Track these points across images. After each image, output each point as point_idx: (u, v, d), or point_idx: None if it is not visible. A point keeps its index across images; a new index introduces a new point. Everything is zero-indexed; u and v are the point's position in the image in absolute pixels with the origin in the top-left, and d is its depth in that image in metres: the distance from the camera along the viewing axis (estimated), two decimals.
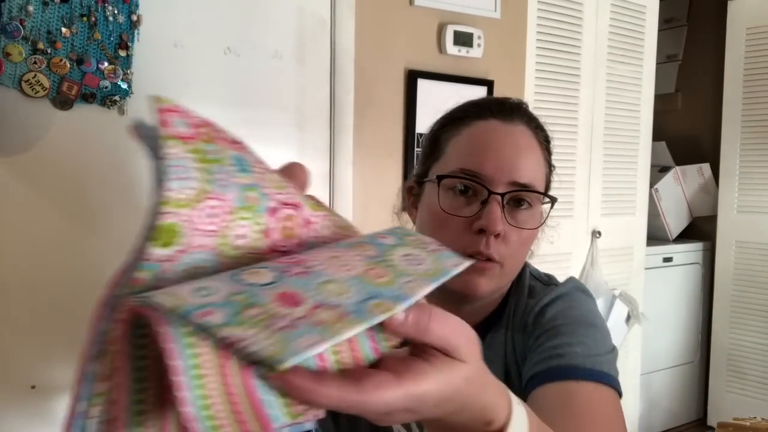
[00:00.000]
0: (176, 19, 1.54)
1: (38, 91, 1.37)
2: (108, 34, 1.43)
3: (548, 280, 0.86)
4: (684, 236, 3.31)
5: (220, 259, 0.37)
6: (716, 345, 3.18)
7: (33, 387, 1.42)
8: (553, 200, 0.79)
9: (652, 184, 2.93)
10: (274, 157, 1.72)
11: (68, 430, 0.35)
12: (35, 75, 1.36)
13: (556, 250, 2.42)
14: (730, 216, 3.11)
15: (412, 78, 1.92)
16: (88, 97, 1.42)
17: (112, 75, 1.44)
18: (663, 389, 3.14)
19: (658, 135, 2.90)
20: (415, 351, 0.38)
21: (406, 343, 0.39)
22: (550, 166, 0.82)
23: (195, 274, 0.36)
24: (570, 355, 0.70)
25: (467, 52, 2.02)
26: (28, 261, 1.40)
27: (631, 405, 2.81)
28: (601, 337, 0.75)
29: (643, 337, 2.82)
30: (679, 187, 3.21)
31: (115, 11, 1.43)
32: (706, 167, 3.27)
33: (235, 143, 0.41)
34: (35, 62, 1.35)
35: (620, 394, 0.70)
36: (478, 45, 2.04)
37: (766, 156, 2.98)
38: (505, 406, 0.44)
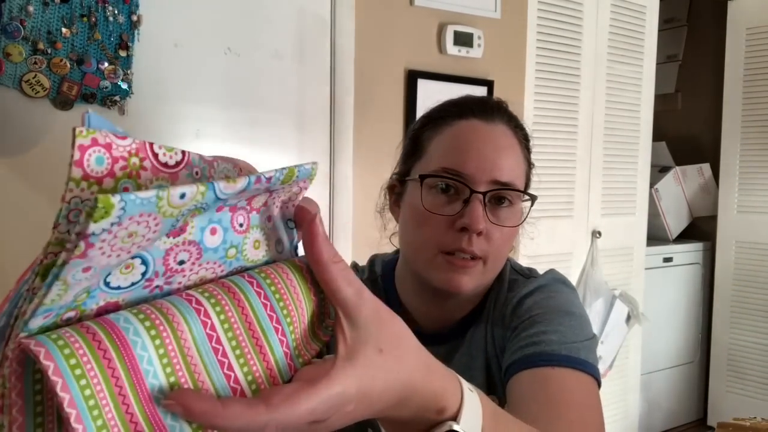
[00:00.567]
0: (176, 19, 1.54)
1: (38, 92, 1.37)
2: (108, 34, 1.43)
3: (529, 273, 0.87)
4: (684, 236, 3.31)
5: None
6: (716, 345, 3.18)
7: None
8: (533, 198, 0.79)
9: (652, 184, 2.92)
10: (275, 157, 1.71)
11: None
12: (35, 75, 1.36)
13: (556, 250, 2.42)
14: (730, 216, 3.11)
15: (412, 78, 1.92)
16: (88, 98, 1.42)
17: (113, 75, 1.44)
18: (663, 389, 3.14)
19: (658, 135, 2.90)
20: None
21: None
22: (529, 164, 0.83)
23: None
24: (545, 342, 0.70)
25: (467, 52, 2.02)
26: (28, 261, 1.40)
27: (631, 405, 2.81)
28: (579, 324, 0.75)
29: (643, 337, 2.82)
30: (679, 187, 3.22)
31: (115, 11, 1.43)
32: (706, 167, 3.27)
33: (170, 168, 0.37)
34: (35, 62, 1.35)
35: (598, 382, 0.70)
36: (478, 45, 2.04)
37: (766, 156, 2.98)
38: (457, 392, 0.43)
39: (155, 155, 0.36)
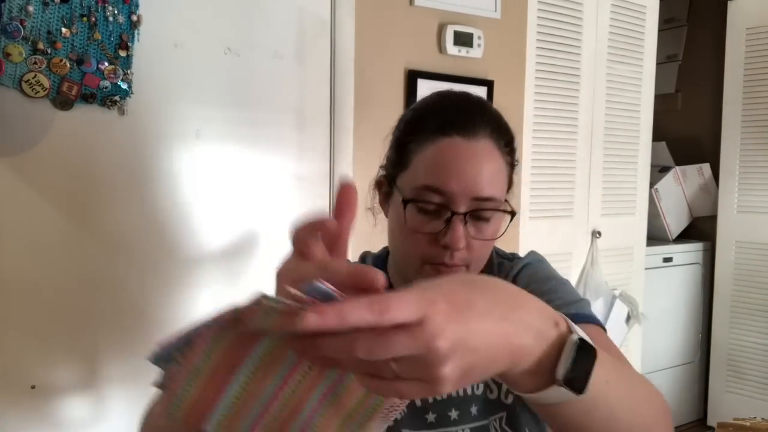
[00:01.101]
0: (176, 19, 1.54)
1: (38, 92, 1.37)
2: (108, 34, 1.43)
3: (512, 257, 0.92)
4: (684, 236, 3.31)
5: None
6: (716, 345, 3.18)
7: (33, 387, 1.42)
8: (513, 214, 0.81)
9: (652, 184, 2.92)
10: (275, 156, 1.71)
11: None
12: (35, 75, 1.36)
13: (556, 250, 2.42)
14: (730, 216, 3.11)
15: (412, 78, 1.92)
16: (88, 98, 1.42)
17: (112, 75, 1.44)
18: (663, 389, 3.08)
19: (658, 135, 2.90)
20: None
21: None
22: (512, 166, 0.84)
23: None
24: (556, 308, 0.72)
25: (467, 52, 2.02)
26: (28, 261, 1.40)
27: None
28: (571, 288, 0.84)
29: (643, 337, 2.82)
30: (679, 187, 3.21)
31: (115, 11, 1.43)
32: (706, 167, 3.27)
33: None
34: (35, 62, 1.35)
35: (605, 330, 0.78)
36: (478, 45, 2.04)
37: (766, 156, 2.98)
38: (559, 315, 0.49)
39: None
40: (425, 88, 1.94)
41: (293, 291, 0.39)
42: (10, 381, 1.40)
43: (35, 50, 1.35)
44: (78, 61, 1.40)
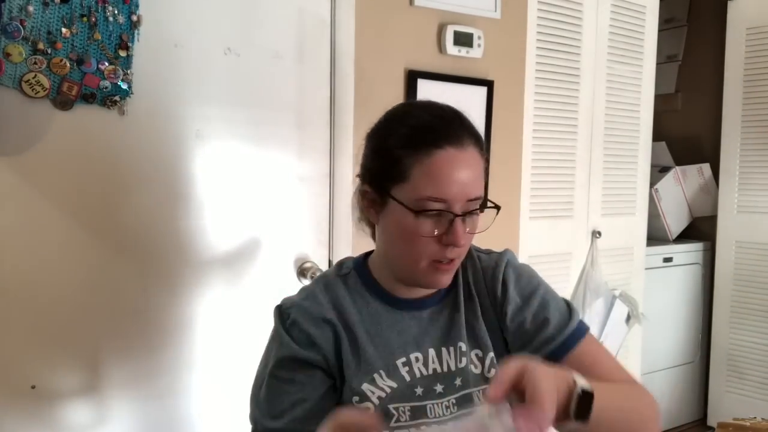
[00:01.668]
0: (176, 19, 1.54)
1: (38, 92, 1.37)
2: (108, 34, 1.43)
3: (487, 251, 1.06)
4: (684, 236, 3.31)
5: None
6: (716, 345, 3.18)
7: (33, 387, 1.42)
8: (498, 207, 0.95)
9: (652, 184, 2.92)
10: (275, 156, 1.71)
11: None
12: (35, 75, 1.36)
13: (556, 250, 2.42)
14: (730, 216, 3.11)
15: (412, 78, 1.92)
16: (88, 98, 1.42)
17: (112, 75, 1.44)
18: (663, 389, 3.14)
19: (658, 135, 2.90)
20: None
21: None
22: (487, 164, 0.96)
23: None
24: (558, 325, 0.97)
25: (467, 52, 2.02)
26: (28, 261, 1.40)
27: None
28: (552, 292, 1.02)
29: (643, 337, 2.82)
30: (679, 187, 3.21)
31: (115, 11, 1.43)
32: (706, 167, 3.27)
33: None
34: (35, 62, 1.35)
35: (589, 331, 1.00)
36: (478, 45, 2.04)
37: (766, 156, 2.98)
38: (570, 374, 0.76)
39: None
40: (425, 88, 1.93)
41: None
42: (10, 381, 1.40)
43: (35, 50, 1.35)
44: (78, 61, 1.40)
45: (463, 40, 2.01)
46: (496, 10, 2.09)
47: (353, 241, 1.83)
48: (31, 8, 1.33)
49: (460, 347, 0.96)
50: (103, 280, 1.49)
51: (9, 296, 1.38)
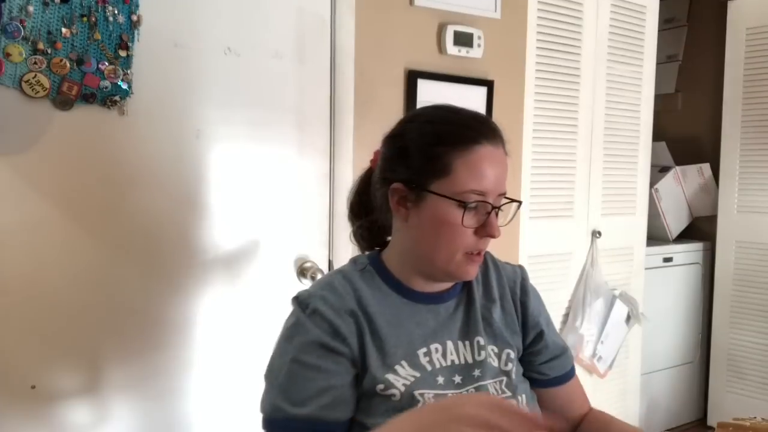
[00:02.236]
0: (176, 19, 1.54)
1: (38, 92, 1.37)
2: (108, 34, 1.43)
3: (503, 261, 1.13)
4: (684, 236, 3.31)
5: None
6: (716, 345, 3.18)
7: (33, 387, 1.42)
8: (520, 203, 1.03)
9: (652, 184, 2.92)
10: (275, 156, 1.72)
11: None
12: (35, 75, 1.36)
13: (556, 250, 2.42)
14: (730, 216, 3.11)
15: (412, 78, 1.92)
16: (88, 98, 1.42)
17: (112, 75, 1.44)
18: (663, 389, 3.14)
19: (658, 135, 2.90)
20: None
21: None
22: None
23: None
24: (566, 355, 1.11)
25: (467, 52, 2.02)
26: (28, 261, 1.40)
27: (631, 405, 2.81)
28: (546, 313, 1.13)
29: (643, 337, 2.82)
30: (679, 187, 3.21)
31: (115, 11, 1.43)
32: (706, 167, 3.27)
33: None
34: (35, 62, 1.35)
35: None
36: (478, 45, 2.04)
37: (766, 156, 2.98)
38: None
39: None
40: (425, 88, 1.94)
41: None
42: (10, 381, 1.40)
43: (35, 50, 1.35)
44: (78, 61, 1.40)
45: (463, 40, 2.01)
46: (496, 10, 2.09)
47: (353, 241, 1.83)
48: (31, 8, 1.33)
49: (478, 341, 1.00)
50: (103, 280, 1.49)
51: (9, 296, 1.38)
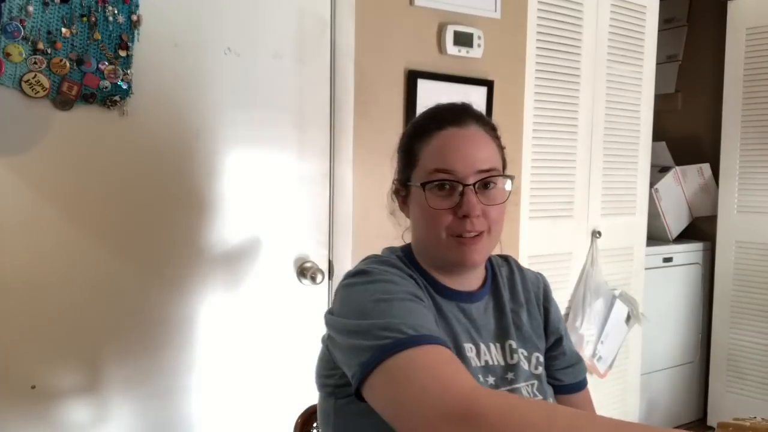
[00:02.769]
0: (176, 19, 1.54)
1: (38, 92, 1.37)
2: (108, 34, 1.43)
3: (517, 261, 1.14)
4: (684, 236, 3.31)
5: None
6: (716, 345, 3.18)
7: (33, 387, 1.42)
8: (511, 177, 0.98)
9: (652, 184, 2.92)
10: (275, 156, 1.72)
11: None
12: (35, 75, 1.36)
13: (556, 250, 2.42)
14: (730, 216, 3.11)
15: (412, 78, 1.92)
16: (88, 98, 1.42)
17: (112, 75, 1.44)
18: (663, 389, 3.14)
19: (658, 135, 2.90)
20: None
21: None
22: (502, 149, 1.02)
23: None
24: (581, 368, 1.13)
25: (467, 52, 2.02)
26: (28, 261, 1.40)
27: (631, 405, 2.81)
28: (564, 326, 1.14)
29: (643, 337, 2.82)
30: (679, 187, 3.21)
31: (115, 11, 1.43)
32: (706, 167, 3.27)
33: None
34: (35, 62, 1.35)
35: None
36: (478, 45, 2.04)
37: (766, 156, 2.98)
38: None
39: None
40: (425, 88, 1.93)
41: None
42: (10, 381, 1.40)
43: (35, 50, 1.35)
44: (78, 61, 1.40)
45: (463, 40, 2.01)
46: (496, 10, 2.09)
47: (353, 240, 1.83)
48: (31, 8, 1.33)
49: (510, 345, 1.01)
50: (103, 280, 1.49)
51: (9, 296, 1.39)
